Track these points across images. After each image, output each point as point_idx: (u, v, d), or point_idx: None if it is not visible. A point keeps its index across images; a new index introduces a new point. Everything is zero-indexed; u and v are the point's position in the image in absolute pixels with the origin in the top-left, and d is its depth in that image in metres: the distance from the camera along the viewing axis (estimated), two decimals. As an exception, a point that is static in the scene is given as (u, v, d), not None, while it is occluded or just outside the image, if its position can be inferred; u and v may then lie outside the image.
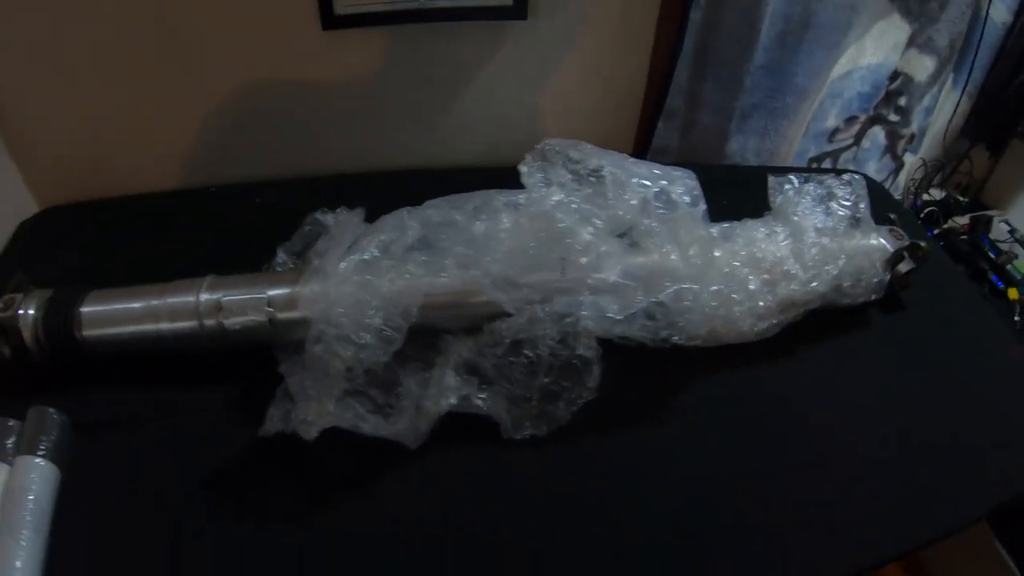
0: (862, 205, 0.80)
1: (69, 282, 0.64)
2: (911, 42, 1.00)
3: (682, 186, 0.64)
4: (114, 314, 0.62)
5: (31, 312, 0.60)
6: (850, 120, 1.05)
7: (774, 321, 0.70)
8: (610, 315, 0.57)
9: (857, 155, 1.10)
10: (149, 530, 0.55)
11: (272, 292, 0.62)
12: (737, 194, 0.79)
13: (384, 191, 0.73)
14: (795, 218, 0.76)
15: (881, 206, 0.96)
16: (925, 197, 1.22)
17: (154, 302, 0.62)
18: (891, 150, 1.12)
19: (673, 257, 0.63)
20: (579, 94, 0.90)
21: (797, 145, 1.02)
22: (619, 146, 0.92)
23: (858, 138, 1.08)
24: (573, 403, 0.60)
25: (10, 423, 0.58)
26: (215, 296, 0.62)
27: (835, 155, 1.09)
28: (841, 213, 0.79)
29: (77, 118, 0.78)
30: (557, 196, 0.58)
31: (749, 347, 0.68)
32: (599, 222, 0.60)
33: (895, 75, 1.02)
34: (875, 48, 0.97)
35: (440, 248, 0.59)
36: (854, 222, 0.79)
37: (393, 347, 0.57)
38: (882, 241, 0.79)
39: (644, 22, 0.84)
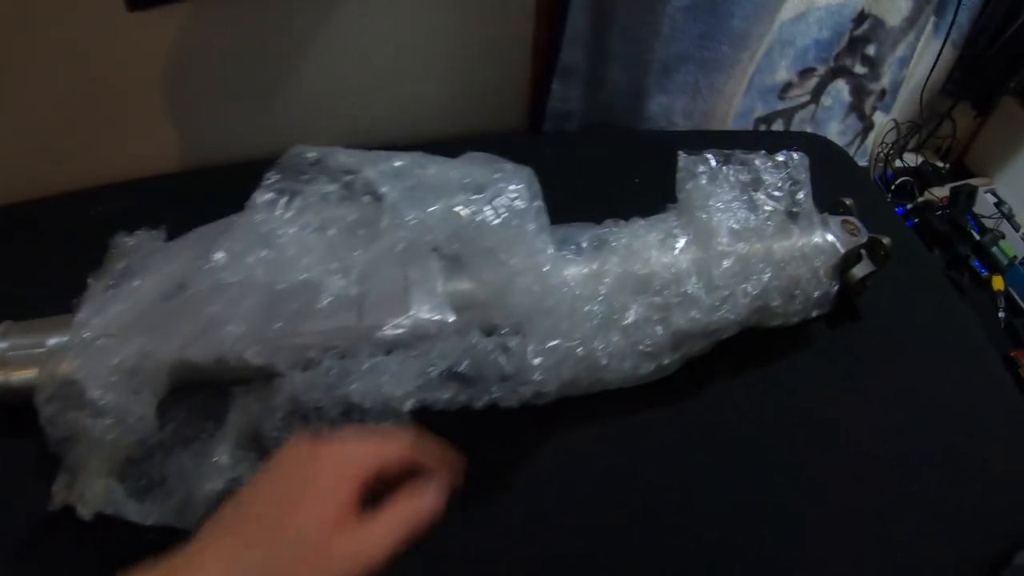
0: (801, 195, 0.63)
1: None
2: (878, -23, 0.80)
3: (511, 187, 0.48)
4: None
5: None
6: (805, 73, 0.86)
7: (666, 361, 0.55)
8: (392, 390, 0.43)
9: (816, 114, 0.92)
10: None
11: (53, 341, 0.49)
12: (654, 169, 0.64)
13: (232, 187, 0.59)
14: (703, 215, 0.61)
15: (843, 177, 0.81)
16: (898, 164, 1.02)
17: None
18: (857, 108, 0.94)
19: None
20: (451, 49, 0.72)
21: (739, 103, 0.84)
22: (509, 113, 0.80)
23: (816, 94, 0.90)
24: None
25: None
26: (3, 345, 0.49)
27: (788, 115, 0.91)
28: (770, 207, 0.63)
29: None
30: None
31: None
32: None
33: (861, 18, 0.83)
34: None
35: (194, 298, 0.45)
36: (790, 216, 0.62)
37: (139, 429, 0.44)
38: (830, 239, 0.63)
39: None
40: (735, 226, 0.60)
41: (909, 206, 0.98)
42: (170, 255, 0.48)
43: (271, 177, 0.43)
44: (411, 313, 0.47)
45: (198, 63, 0.67)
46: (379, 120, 0.61)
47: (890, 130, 1.01)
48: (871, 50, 0.86)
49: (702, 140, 0.82)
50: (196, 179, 0.73)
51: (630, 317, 0.54)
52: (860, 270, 0.66)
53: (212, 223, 0.47)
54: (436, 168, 0.48)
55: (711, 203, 0.60)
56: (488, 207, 0.48)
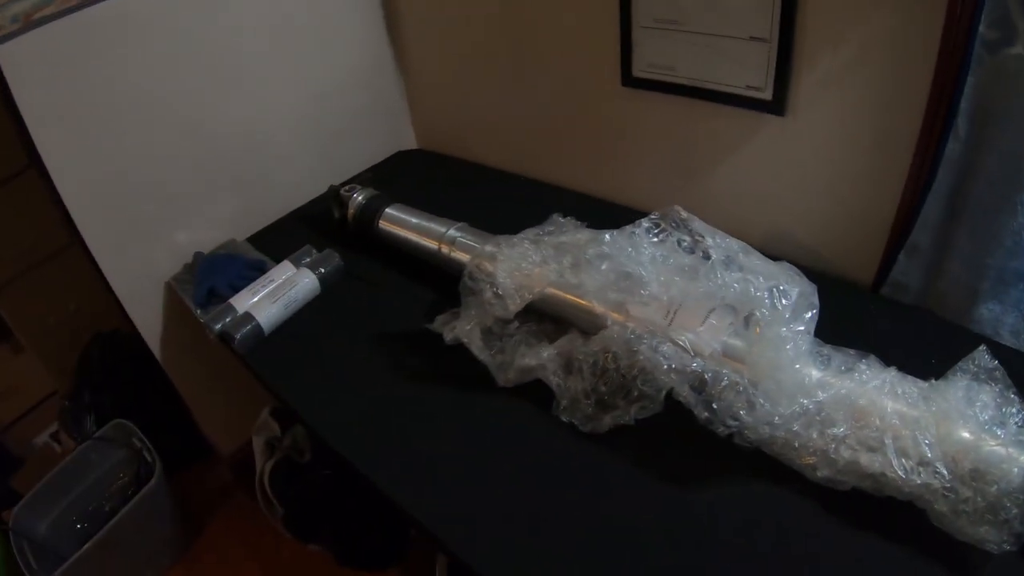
0: None
1: (397, 196, 0.96)
2: None
3: (794, 290, 0.65)
4: (400, 220, 0.92)
5: (358, 198, 0.93)
6: None
7: (840, 478, 0.65)
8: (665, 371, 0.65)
9: None
10: (345, 351, 0.84)
11: (487, 247, 0.84)
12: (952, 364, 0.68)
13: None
14: (953, 395, 0.69)
15: None
16: None
17: (423, 223, 0.90)
18: None
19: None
20: (825, 203, 0.90)
21: None
22: (858, 269, 0.94)
23: None
24: (617, 420, 0.71)
25: (312, 250, 0.92)
26: (456, 234, 0.87)
27: None
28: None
29: (455, 94, 1.10)
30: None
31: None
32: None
33: None
34: None
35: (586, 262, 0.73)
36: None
37: (510, 310, 0.75)
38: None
39: (902, 145, 0.80)
40: (969, 412, 0.66)
41: None
42: (579, 232, 0.78)
43: (654, 216, 0.70)
44: (694, 331, 0.68)
45: (643, 131, 0.97)
46: (762, 231, 0.81)
47: None
48: None
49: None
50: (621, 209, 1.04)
51: (834, 431, 0.66)
52: None
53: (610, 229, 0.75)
54: (755, 257, 0.68)
55: (963, 393, 0.68)
56: (781, 299, 0.66)
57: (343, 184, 0.97)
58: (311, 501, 0.91)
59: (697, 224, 0.69)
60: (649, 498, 0.69)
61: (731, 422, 0.66)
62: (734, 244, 0.68)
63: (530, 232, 0.79)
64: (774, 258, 0.73)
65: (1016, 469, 0.66)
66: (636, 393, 0.71)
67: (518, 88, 1.03)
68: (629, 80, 0.91)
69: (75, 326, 1.22)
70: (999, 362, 0.67)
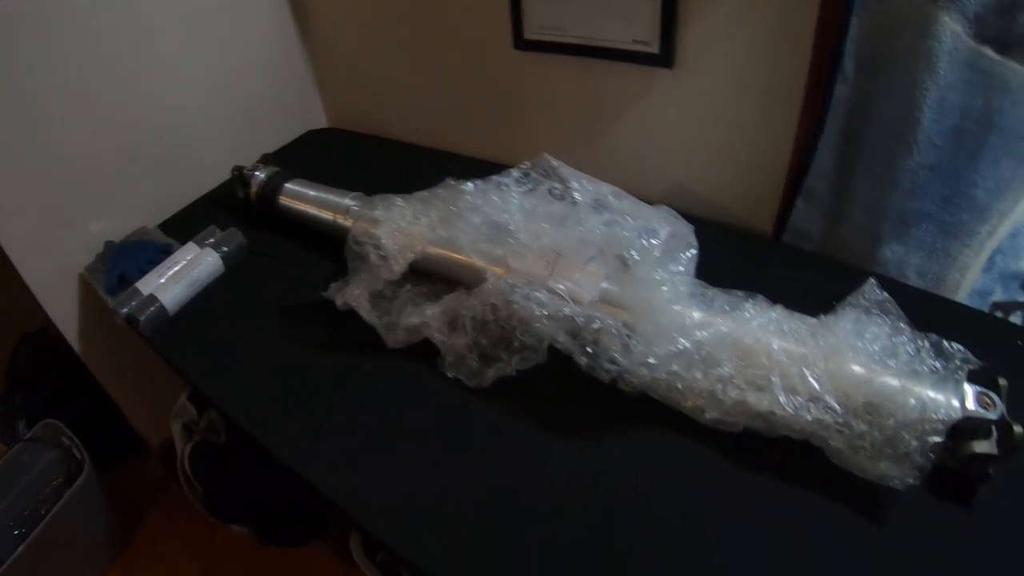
0: (959, 375, 0.63)
1: (306, 174, 0.94)
2: None
3: (663, 230, 0.63)
4: (299, 194, 0.90)
5: (260, 176, 0.91)
6: None
7: (729, 420, 0.63)
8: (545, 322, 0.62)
9: None
10: (249, 327, 0.82)
11: (367, 211, 0.81)
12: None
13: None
14: (838, 328, 0.65)
15: None
16: None
17: (321, 195, 0.88)
18: None
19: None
20: (722, 155, 0.87)
21: (973, 279, 0.80)
22: (760, 219, 0.92)
23: None
24: (500, 372, 0.68)
25: (216, 230, 0.90)
26: (350, 203, 0.84)
27: None
28: (909, 355, 0.64)
29: (362, 70, 1.09)
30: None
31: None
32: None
33: None
34: None
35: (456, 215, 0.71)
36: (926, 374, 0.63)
37: (395, 271, 0.72)
38: (951, 399, 0.63)
39: (791, 91, 0.77)
40: (858, 344, 0.64)
41: None
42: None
43: (524, 165, 0.66)
44: (572, 279, 0.66)
45: (546, 97, 0.95)
46: (665, 184, 0.79)
47: None
48: None
49: (929, 303, 0.82)
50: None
51: (719, 371, 0.63)
52: (981, 447, 0.61)
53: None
54: (628, 201, 0.65)
55: (852, 326, 0.65)
56: (650, 239, 0.63)
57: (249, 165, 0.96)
58: (228, 482, 0.88)
59: (565, 171, 0.66)
60: (538, 450, 0.65)
61: (609, 366, 0.63)
62: (604, 188, 0.65)
63: (418, 194, 0.76)
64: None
65: (913, 400, 0.62)
66: (517, 344, 0.67)
67: (421, 59, 1.00)
68: (521, 43, 0.88)
69: (1, 327, 1.20)
70: (904, 303, 0.65)
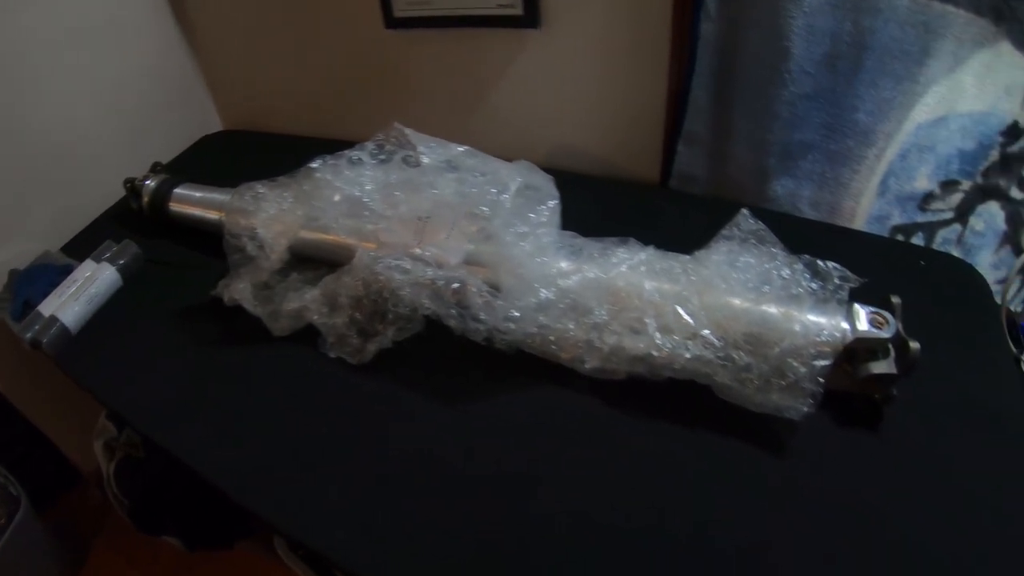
0: (841, 294, 0.61)
1: (201, 179, 0.92)
2: (1040, 88, 0.66)
3: (513, 183, 0.61)
4: (186, 198, 0.88)
5: (151, 184, 0.89)
6: (948, 185, 0.75)
7: (609, 367, 0.61)
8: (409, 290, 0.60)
9: (964, 237, 0.78)
10: (148, 336, 0.80)
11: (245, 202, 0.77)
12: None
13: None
14: (711, 259, 0.63)
15: (969, 310, 0.72)
16: None
17: (207, 196, 0.86)
18: (1012, 240, 0.77)
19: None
20: (600, 108, 0.85)
21: (869, 204, 0.78)
22: (646, 168, 0.90)
23: (962, 213, 0.77)
24: (379, 345, 0.66)
25: (113, 244, 0.88)
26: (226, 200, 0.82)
27: (929, 230, 0.79)
28: (785, 279, 0.62)
29: (249, 70, 1.08)
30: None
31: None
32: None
33: (1015, 132, 0.70)
34: (978, 89, 0.68)
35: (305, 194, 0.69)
36: (807, 298, 0.60)
37: (272, 259, 0.70)
38: (836, 321, 0.60)
39: (659, 36, 0.75)
40: (732, 275, 0.61)
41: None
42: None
43: (378, 137, 0.64)
44: (439, 244, 0.64)
45: (421, 73, 0.93)
46: (550, 147, 0.77)
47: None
48: (1031, 173, 0.70)
49: (827, 233, 0.80)
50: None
51: (592, 318, 0.61)
52: (878, 367, 0.59)
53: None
54: (481, 160, 0.63)
55: (724, 258, 0.63)
56: (501, 194, 0.61)
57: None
58: (151, 495, 0.86)
59: (415, 137, 0.63)
60: (428, 420, 0.63)
61: (476, 325, 0.60)
62: (455, 149, 0.63)
63: (280, 179, 0.74)
64: (559, 171, 0.68)
65: (797, 327, 0.60)
66: (391, 316, 0.65)
67: (301, 51, 0.98)
68: (392, 22, 0.86)
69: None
70: (801, 236, 0.63)
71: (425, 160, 0.61)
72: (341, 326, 0.67)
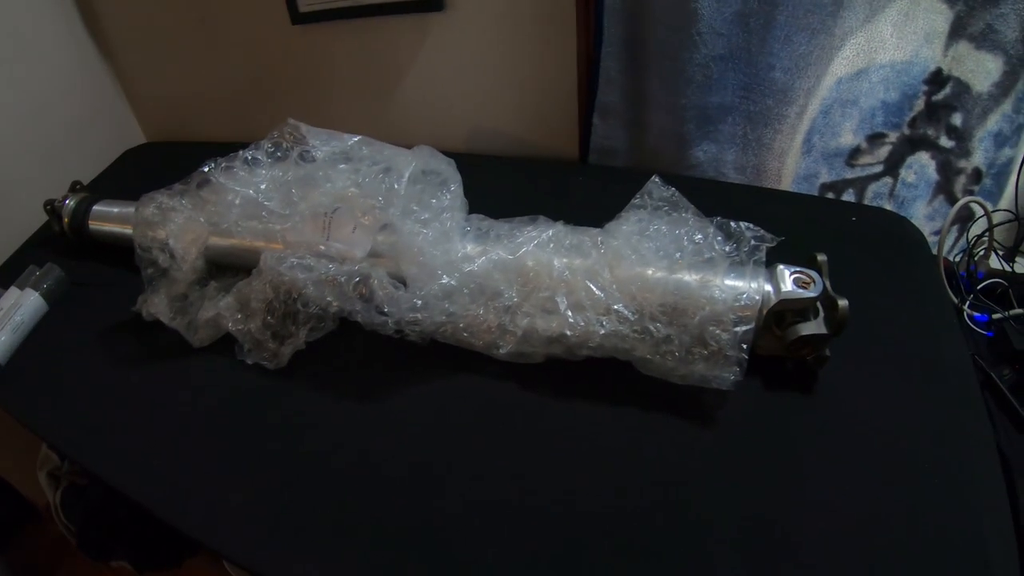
0: (758, 254, 0.58)
1: (126, 195, 0.89)
2: (957, 32, 0.64)
3: (406, 169, 0.58)
4: (105, 215, 0.85)
5: (70, 204, 0.86)
6: (875, 138, 0.73)
7: (526, 351, 0.58)
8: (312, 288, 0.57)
9: (896, 190, 0.75)
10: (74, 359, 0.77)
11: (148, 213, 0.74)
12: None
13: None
14: (620, 229, 0.60)
15: (905, 262, 0.70)
16: (997, 267, 0.73)
17: (123, 210, 0.83)
18: (945, 189, 0.74)
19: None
20: (511, 87, 0.82)
21: (796, 164, 0.76)
22: (565, 145, 0.87)
23: (891, 166, 0.74)
24: (294, 347, 0.63)
25: (35, 269, 0.86)
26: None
27: (859, 185, 0.76)
28: (698, 242, 0.59)
29: (166, 79, 1.04)
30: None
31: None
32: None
33: (939, 80, 0.67)
34: (897, 38, 0.65)
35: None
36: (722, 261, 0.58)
37: (185, 270, 0.67)
38: (755, 283, 0.58)
39: (565, 8, 0.72)
40: (644, 245, 0.59)
41: (995, 316, 0.72)
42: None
43: (272, 135, 0.62)
44: (344, 238, 0.61)
45: (331, 67, 0.90)
46: (466, 131, 0.74)
47: (1000, 224, 0.74)
48: (957, 119, 0.67)
49: (753, 196, 0.78)
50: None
51: (502, 301, 0.58)
52: (807, 328, 0.56)
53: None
54: (377, 148, 0.61)
55: (635, 227, 0.60)
56: (394, 183, 0.58)
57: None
58: (95, 519, 0.84)
59: (307, 130, 0.60)
60: (345, 420, 0.60)
61: (381, 318, 0.58)
62: (349, 140, 0.60)
63: (176, 187, 0.71)
64: (479, 155, 0.66)
65: (716, 292, 0.58)
66: (302, 316, 0.62)
67: (212, 55, 0.95)
68: (298, 17, 0.83)
69: None
70: (727, 200, 0.62)
71: (319, 154, 0.58)
72: (256, 331, 0.64)
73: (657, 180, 0.62)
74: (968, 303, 0.73)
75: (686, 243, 0.59)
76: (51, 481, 0.89)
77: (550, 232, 0.61)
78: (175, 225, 0.70)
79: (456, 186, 0.60)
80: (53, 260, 0.88)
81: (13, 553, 1.07)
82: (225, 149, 1.05)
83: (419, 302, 0.56)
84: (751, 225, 0.59)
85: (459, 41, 0.80)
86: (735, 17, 0.69)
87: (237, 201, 0.63)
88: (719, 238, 0.59)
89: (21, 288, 0.85)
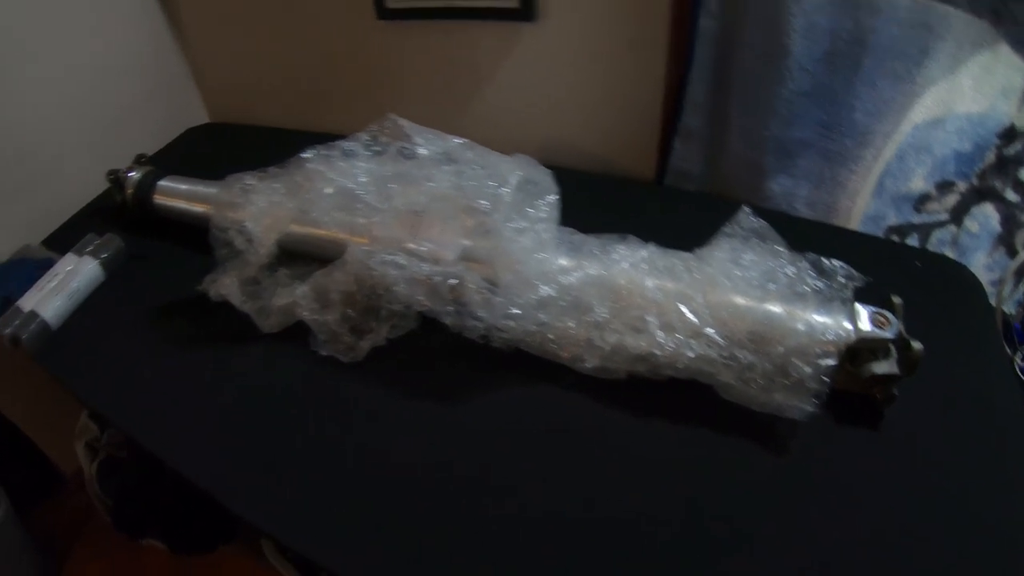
0: (845, 293, 0.59)
1: (186, 172, 0.88)
2: (1036, 90, 0.65)
3: (514, 177, 0.58)
4: (172, 190, 0.84)
5: (135, 176, 0.85)
6: (944, 186, 0.74)
7: (611, 366, 0.58)
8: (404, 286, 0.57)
9: (959, 238, 0.77)
10: (132, 332, 0.75)
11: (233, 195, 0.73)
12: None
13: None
14: (716, 259, 0.61)
15: (963, 311, 0.70)
16: None
17: (192, 188, 0.82)
18: (1006, 242, 0.75)
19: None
20: (594, 104, 0.82)
21: (865, 205, 0.77)
22: (641, 165, 0.87)
23: (957, 214, 0.75)
24: (373, 343, 0.63)
25: (95, 238, 0.84)
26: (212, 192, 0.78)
27: (924, 231, 0.78)
28: (788, 277, 0.60)
29: (237, 61, 1.03)
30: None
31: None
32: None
33: (1011, 134, 0.69)
34: (975, 91, 0.67)
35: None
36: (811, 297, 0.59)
37: (261, 254, 0.66)
38: (840, 320, 0.59)
39: (658, 30, 0.73)
40: (735, 273, 0.59)
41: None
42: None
43: (372, 128, 0.61)
44: (434, 238, 0.61)
45: (412, 65, 0.90)
46: (532, 139, 0.74)
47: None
48: (1025, 175, 0.70)
49: (822, 232, 0.79)
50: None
51: (593, 316, 0.59)
52: (880, 368, 0.57)
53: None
54: (480, 152, 0.61)
55: (727, 255, 0.61)
56: (500, 188, 0.58)
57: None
58: (134, 496, 0.82)
59: (411, 128, 0.60)
60: (419, 420, 0.60)
61: (473, 323, 0.57)
62: (453, 141, 0.60)
63: (271, 170, 0.70)
64: (552, 168, 0.66)
65: (800, 326, 0.58)
66: (385, 313, 0.62)
67: (290, 42, 0.94)
68: (384, 13, 0.83)
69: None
70: (797, 235, 0.61)
71: (422, 152, 0.58)
72: (333, 323, 0.64)
73: (747, 211, 0.63)
74: (1021, 355, 0.74)
75: (779, 275, 0.60)
76: (88, 452, 0.87)
77: (643, 253, 0.61)
78: (256, 208, 0.69)
79: (554, 197, 0.60)
80: (110, 230, 0.87)
81: (35, 523, 1.05)
82: (289, 136, 1.06)
83: (515, 310, 0.56)
84: (843, 264, 0.60)
85: (546, 53, 0.80)
86: (824, 56, 0.70)
87: (329, 190, 0.62)
88: (811, 273, 0.60)
89: (79, 255, 0.84)
